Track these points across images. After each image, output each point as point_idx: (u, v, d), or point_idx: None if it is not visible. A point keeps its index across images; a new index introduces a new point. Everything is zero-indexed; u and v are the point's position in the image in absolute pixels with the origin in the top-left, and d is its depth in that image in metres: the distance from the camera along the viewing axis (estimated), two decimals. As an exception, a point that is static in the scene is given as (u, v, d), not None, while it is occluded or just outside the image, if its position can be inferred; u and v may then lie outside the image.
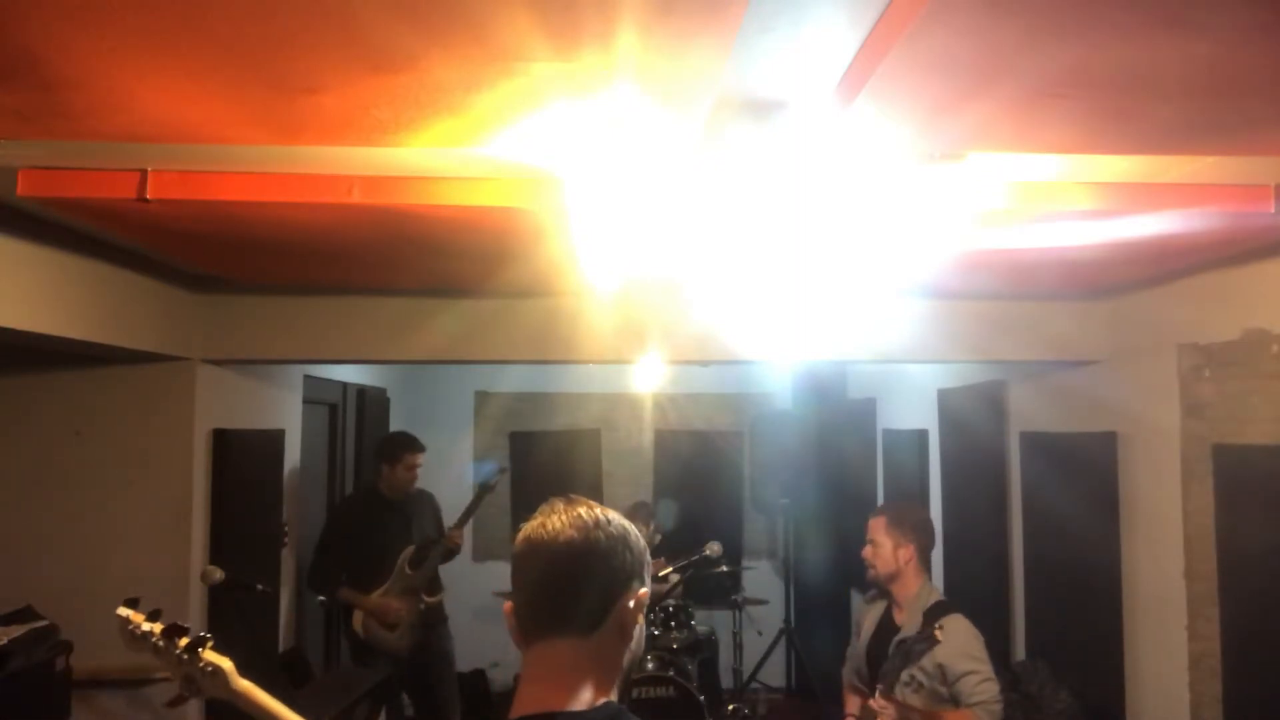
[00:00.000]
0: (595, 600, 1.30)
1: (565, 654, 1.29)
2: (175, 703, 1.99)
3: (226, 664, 1.92)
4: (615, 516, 1.36)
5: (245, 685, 1.91)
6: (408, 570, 4.54)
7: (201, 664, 1.91)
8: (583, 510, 1.34)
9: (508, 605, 1.35)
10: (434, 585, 4.68)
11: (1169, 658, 3.42)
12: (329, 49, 1.55)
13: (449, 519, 4.88)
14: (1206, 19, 1.42)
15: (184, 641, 1.93)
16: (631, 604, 1.33)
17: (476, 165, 2.18)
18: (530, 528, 1.34)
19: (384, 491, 4.67)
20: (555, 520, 1.33)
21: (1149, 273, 3.47)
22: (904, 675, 2.94)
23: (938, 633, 2.82)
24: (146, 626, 1.97)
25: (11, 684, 3.07)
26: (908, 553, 3.08)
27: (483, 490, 4.88)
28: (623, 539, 1.34)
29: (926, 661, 2.93)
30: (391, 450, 4.66)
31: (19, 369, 3.74)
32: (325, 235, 2.83)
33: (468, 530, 4.92)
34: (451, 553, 4.76)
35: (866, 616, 3.32)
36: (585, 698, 1.27)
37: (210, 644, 1.93)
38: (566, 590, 1.30)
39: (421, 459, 4.67)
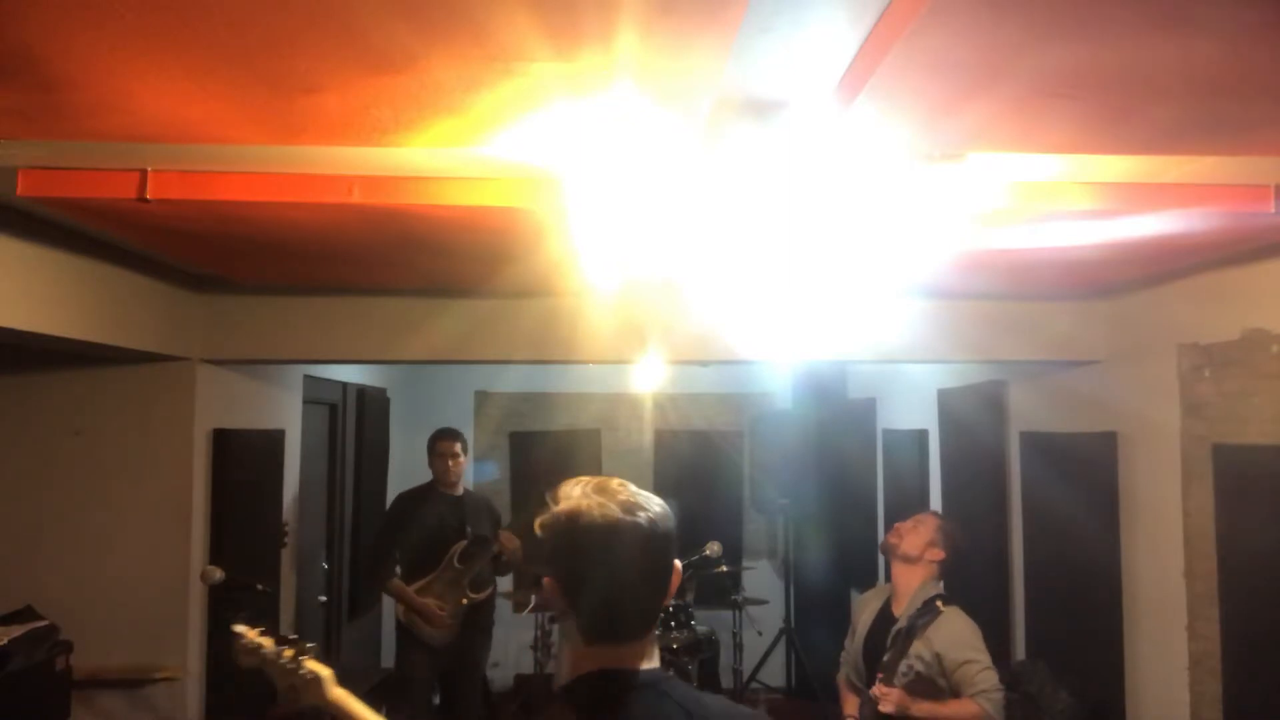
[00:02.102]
0: (668, 583, 1.32)
1: (641, 649, 1.32)
2: (281, 714, 2.10)
3: (326, 672, 2.02)
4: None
5: (340, 694, 2.01)
6: (456, 564, 4.63)
7: (303, 671, 2.01)
8: (629, 491, 1.33)
9: (549, 581, 1.32)
10: (480, 583, 4.74)
11: (1169, 658, 3.42)
12: (329, 49, 1.55)
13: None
14: (1207, 18, 1.41)
15: (289, 652, 2.04)
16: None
17: (476, 165, 2.18)
18: (597, 510, 1.29)
19: (438, 486, 4.82)
20: (623, 502, 1.30)
21: (1149, 273, 3.47)
22: (905, 661, 2.97)
23: (939, 603, 2.97)
24: (258, 640, 2.10)
25: (11, 684, 3.07)
26: (935, 555, 3.21)
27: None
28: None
29: (924, 650, 2.96)
30: (428, 443, 4.84)
31: (19, 369, 3.74)
32: (325, 235, 2.83)
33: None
34: (508, 563, 4.84)
35: (864, 611, 3.34)
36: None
37: (314, 653, 2.05)
38: (656, 580, 1.30)
39: (457, 447, 4.77)
